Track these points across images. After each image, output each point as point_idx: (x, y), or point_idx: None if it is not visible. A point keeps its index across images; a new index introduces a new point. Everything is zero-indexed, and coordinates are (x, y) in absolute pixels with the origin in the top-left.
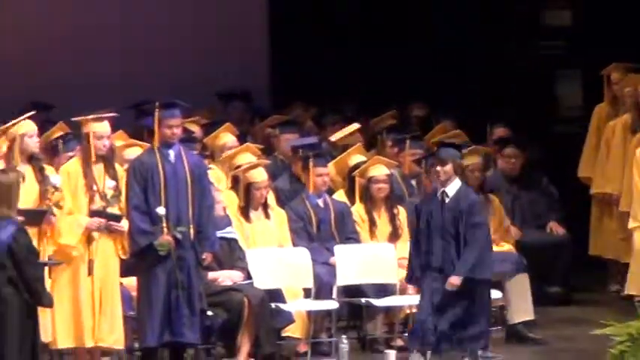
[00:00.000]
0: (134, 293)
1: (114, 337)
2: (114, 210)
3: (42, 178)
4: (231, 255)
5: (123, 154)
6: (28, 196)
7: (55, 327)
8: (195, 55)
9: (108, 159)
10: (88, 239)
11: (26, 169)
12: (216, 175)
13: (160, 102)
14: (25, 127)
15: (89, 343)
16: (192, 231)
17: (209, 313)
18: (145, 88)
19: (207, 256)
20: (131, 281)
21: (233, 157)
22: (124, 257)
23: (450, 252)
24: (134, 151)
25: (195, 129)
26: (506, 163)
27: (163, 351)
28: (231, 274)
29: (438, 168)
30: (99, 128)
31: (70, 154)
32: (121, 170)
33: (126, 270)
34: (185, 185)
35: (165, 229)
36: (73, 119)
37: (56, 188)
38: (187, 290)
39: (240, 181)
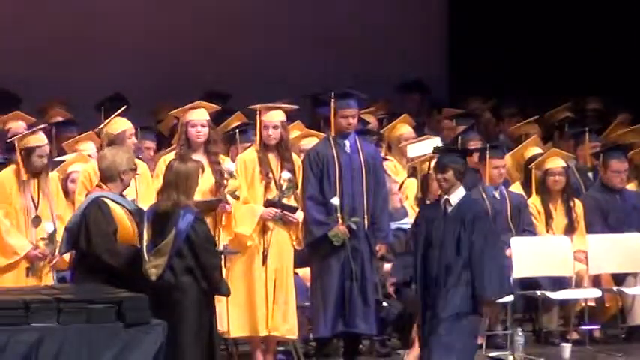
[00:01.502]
0: (308, 283)
1: (287, 326)
2: (289, 201)
3: (217, 169)
4: (408, 246)
5: (299, 144)
6: (203, 186)
7: (229, 316)
8: (375, 47)
9: (282, 149)
10: (263, 229)
11: (202, 160)
12: (394, 167)
13: (336, 92)
14: (192, 115)
15: (263, 332)
16: (366, 222)
17: (384, 304)
18: (324, 77)
19: (380, 247)
20: (305, 271)
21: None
22: (298, 248)
23: (445, 263)
24: (310, 142)
25: (372, 120)
26: None
27: (339, 341)
28: None
29: (439, 176)
30: (267, 117)
31: (246, 144)
32: (297, 160)
33: (300, 260)
34: (360, 176)
35: (339, 220)
36: (249, 107)
37: (231, 175)
38: (361, 281)
39: (418, 172)
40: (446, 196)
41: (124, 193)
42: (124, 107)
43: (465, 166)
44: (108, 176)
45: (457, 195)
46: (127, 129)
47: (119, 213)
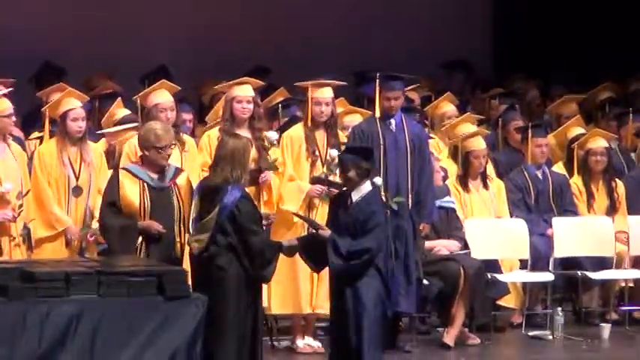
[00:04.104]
0: None
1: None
2: (335, 178)
3: (260, 144)
4: (449, 224)
5: (343, 120)
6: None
7: (271, 293)
8: (420, 25)
9: (330, 126)
10: (309, 206)
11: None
12: (436, 145)
13: (382, 73)
14: (237, 91)
15: (307, 310)
16: (410, 201)
17: (425, 282)
18: (368, 54)
19: (424, 227)
20: None
21: (454, 127)
22: None
23: None
24: (354, 118)
25: (415, 97)
26: None
27: None
28: (448, 244)
29: (342, 176)
30: (319, 94)
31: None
32: (342, 137)
33: None
34: (405, 154)
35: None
36: (297, 84)
37: (272, 143)
38: (404, 260)
39: (459, 150)
40: (349, 191)
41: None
42: (161, 81)
43: (369, 165)
44: (139, 149)
45: (358, 193)
46: (159, 103)
47: (128, 186)
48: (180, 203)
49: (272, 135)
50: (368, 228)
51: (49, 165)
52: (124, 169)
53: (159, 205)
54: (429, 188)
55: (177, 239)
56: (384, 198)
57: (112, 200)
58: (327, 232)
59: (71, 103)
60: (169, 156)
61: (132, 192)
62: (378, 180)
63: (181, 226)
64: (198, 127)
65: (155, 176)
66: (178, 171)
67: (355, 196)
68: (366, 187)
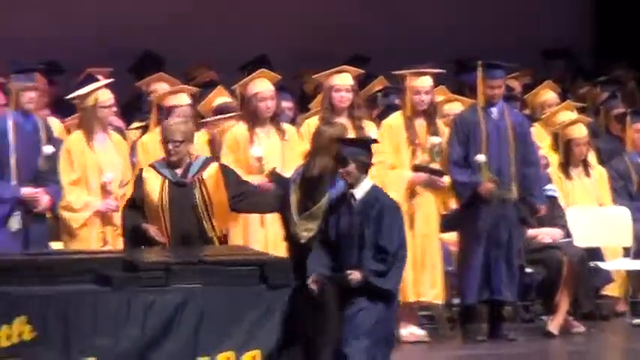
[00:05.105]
0: (453, 249)
1: (434, 292)
2: (436, 165)
3: (361, 132)
4: (552, 212)
5: (443, 108)
6: None
7: None
8: (520, 12)
9: (429, 114)
10: (411, 194)
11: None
12: (537, 133)
13: (484, 61)
14: (336, 79)
15: (411, 298)
16: (514, 189)
17: (528, 270)
18: (467, 42)
19: (541, 208)
20: (451, 237)
21: (555, 115)
22: (444, 213)
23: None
24: (455, 107)
25: (515, 85)
26: None
27: (482, 306)
28: (551, 232)
29: (341, 170)
30: (419, 83)
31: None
32: (442, 125)
33: (446, 225)
34: (507, 143)
35: (485, 179)
36: (396, 72)
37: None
38: (507, 248)
39: (560, 138)
40: (351, 191)
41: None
42: (261, 70)
43: (369, 158)
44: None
45: (362, 189)
46: (258, 92)
47: (151, 182)
48: (206, 197)
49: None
50: (383, 227)
51: (152, 156)
52: (149, 165)
53: (179, 201)
54: (536, 176)
55: (212, 234)
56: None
57: (133, 197)
58: (356, 276)
59: (179, 99)
60: (185, 152)
61: (153, 188)
62: (481, 157)
63: (211, 221)
64: (299, 115)
65: (179, 172)
66: (206, 163)
67: (358, 193)
68: (367, 182)
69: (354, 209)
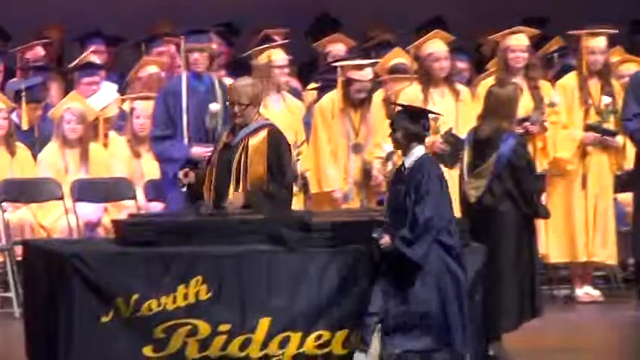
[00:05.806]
0: (628, 209)
1: (607, 252)
2: (609, 125)
3: (536, 93)
4: None
5: (619, 69)
6: (521, 110)
7: (548, 241)
8: None
9: (603, 74)
10: (583, 153)
11: (522, 84)
12: None
13: None
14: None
15: (582, 258)
16: None
17: None
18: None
19: None
20: (626, 197)
21: None
22: (618, 173)
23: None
24: (630, 67)
25: None
26: None
27: None
28: None
29: (392, 136)
30: (594, 43)
31: None
32: (617, 85)
33: (621, 185)
34: None
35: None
36: (570, 32)
37: (553, 105)
38: None
39: None
40: (403, 159)
41: None
42: (435, 30)
43: (418, 128)
44: None
45: (410, 158)
46: (432, 52)
47: None
48: (243, 159)
49: (555, 99)
50: (420, 196)
51: (329, 120)
52: None
53: (222, 162)
54: None
55: (231, 189)
56: None
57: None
58: (385, 241)
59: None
60: (252, 115)
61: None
62: None
63: (239, 179)
64: (476, 76)
65: (230, 133)
66: (259, 129)
67: (407, 161)
68: (417, 151)
69: (404, 178)
